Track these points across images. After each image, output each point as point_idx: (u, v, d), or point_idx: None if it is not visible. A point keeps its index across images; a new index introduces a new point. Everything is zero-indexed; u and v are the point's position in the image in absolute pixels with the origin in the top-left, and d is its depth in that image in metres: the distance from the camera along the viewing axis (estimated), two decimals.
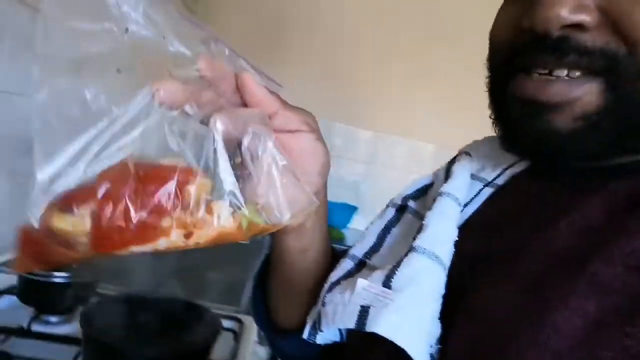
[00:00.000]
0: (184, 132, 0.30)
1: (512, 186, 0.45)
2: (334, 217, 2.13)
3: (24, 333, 0.80)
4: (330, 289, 0.42)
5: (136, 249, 0.29)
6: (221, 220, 0.30)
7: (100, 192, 0.28)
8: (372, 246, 0.47)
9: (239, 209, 0.31)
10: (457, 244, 0.40)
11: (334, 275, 0.44)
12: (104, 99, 0.29)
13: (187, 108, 0.31)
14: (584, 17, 0.34)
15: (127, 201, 0.28)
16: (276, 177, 0.33)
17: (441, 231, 0.40)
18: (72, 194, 0.28)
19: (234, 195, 0.31)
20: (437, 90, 2.20)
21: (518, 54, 0.38)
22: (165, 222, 0.29)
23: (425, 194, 0.48)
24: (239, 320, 0.99)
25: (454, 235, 0.41)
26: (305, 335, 0.43)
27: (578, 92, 0.35)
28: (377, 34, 2.28)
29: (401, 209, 0.49)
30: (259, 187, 0.33)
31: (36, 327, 0.84)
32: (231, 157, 0.32)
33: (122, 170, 0.28)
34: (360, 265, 0.46)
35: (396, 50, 2.25)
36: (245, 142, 0.32)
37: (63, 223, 0.27)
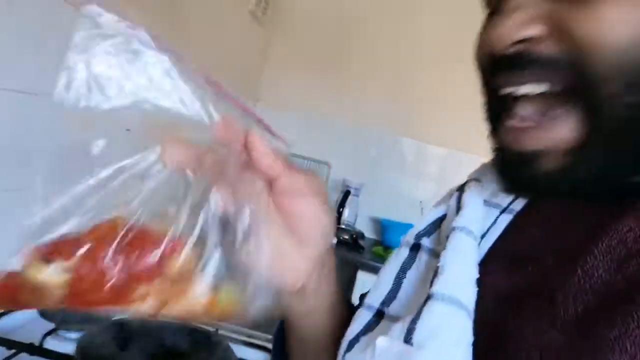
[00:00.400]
0: (184, 195, 0.30)
1: (531, 211, 0.41)
2: (396, 238, 2.00)
3: (34, 350, 0.76)
4: (349, 348, 0.40)
5: (108, 309, 0.29)
6: (198, 297, 0.30)
7: (82, 249, 0.27)
8: (389, 293, 0.43)
9: (219, 288, 0.30)
10: (481, 282, 0.37)
11: (352, 331, 0.41)
12: (109, 154, 0.30)
13: (188, 172, 0.31)
14: (531, 31, 0.32)
15: (105, 264, 0.27)
16: (260, 261, 0.31)
17: (460, 272, 0.37)
18: (55, 245, 0.28)
19: (216, 274, 0.30)
20: None
21: (491, 77, 0.37)
22: (141, 290, 0.28)
23: (439, 228, 0.44)
24: (269, 351, 0.90)
25: (474, 274, 0.38)
26: None
27: (555, 133, 0.33)
28: (447, 46, 2.14)
29: (415, 247, 0.44)
30: (242, 267, 0.31)
31: (50, 343, 0.80)
32: (225, 233, 0.31)
33: (111, 228, 0.28)
34: (379, 316, 0.42)
35: (467, 64, 2.10)
36: (239, 222, 0.31)
37: (39, 273, 0.27)
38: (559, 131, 0.33)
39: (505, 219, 0.42)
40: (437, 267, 0.38)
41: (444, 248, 0.39)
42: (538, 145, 0.33)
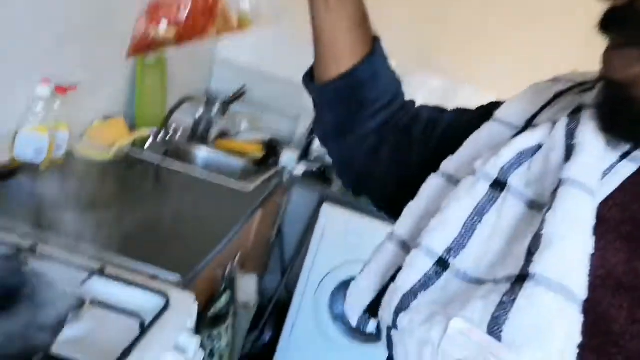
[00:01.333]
0: None
1: None
2: None
3: None
4: (404, 303, 0.33)
5: (198, 41, 0.63)
6: (235, 22, 0.63)
7: (179, 12, 0.56)
8: (457, 239, 0.34)
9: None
10: (593, 260, 0.29)
11: (406, 280, 0.34)
12: None
13: None
14: None
15: (192, 18, 0.56)
16: None
17: (572, 249, 0.29)
18: (156, 11, 0.57)
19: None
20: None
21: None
22: (211, 28, 0.59)
23: (530, 158, 0.34)
24: (164, 295, 0.79)
25: (589, 248, 0.30)
26: (354, 322, 0.39)
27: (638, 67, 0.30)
28: None
29: (498, 184, 0.34)
30: None
31: None
32: None
33: None
34: (441, 266, 0.34)
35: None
36: None
37: (161, 32, 0.56)
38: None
39: (628, 168, 0.33)
40: (540, 235, 0.29)
41: (547, 205, 0.30)
42: (623, 74, 0.30)
